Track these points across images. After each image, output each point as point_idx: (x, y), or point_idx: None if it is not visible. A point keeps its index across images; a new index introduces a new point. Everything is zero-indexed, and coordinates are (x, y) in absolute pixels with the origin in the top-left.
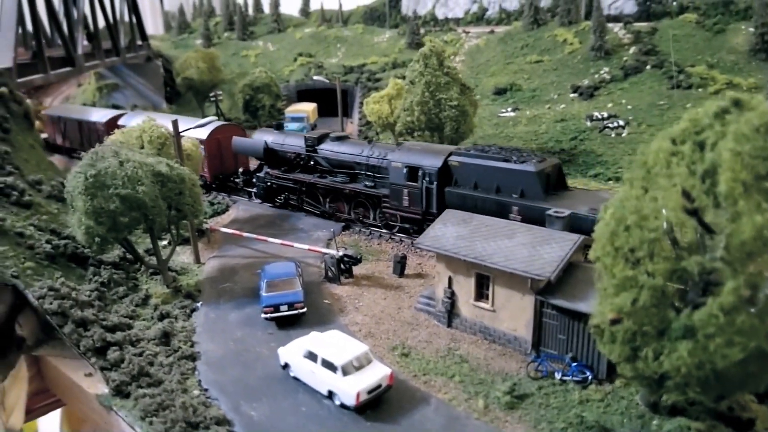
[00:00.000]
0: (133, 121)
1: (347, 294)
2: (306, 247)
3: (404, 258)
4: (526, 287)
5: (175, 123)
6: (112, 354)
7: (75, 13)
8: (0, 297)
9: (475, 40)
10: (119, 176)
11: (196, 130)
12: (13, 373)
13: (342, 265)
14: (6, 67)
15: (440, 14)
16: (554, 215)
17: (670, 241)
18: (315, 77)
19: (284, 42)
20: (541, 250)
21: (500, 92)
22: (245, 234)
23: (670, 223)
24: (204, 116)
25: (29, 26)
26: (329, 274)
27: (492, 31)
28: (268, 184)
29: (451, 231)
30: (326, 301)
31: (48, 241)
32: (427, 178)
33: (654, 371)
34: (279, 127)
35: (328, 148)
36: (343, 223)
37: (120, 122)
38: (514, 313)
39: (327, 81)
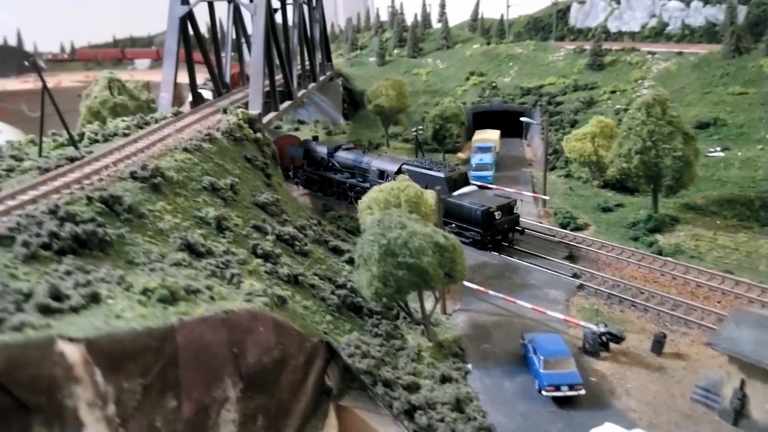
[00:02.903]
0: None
1: (610, 372)
2: (562, 317)
3: (664, 337)
4: None
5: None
6: (420, 418)
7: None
8: (319, 353)
9: (664, 63)
10: (408, 247)
11: None
12: (327, 421)
13: (601, 338)
14: (258, 113)
15: (613, 27)
16: None
17: None
18: (493, 99)
19: (453, 59)
20: None
21: (702, 126)
22: (491, 292)
23: None
24: (387, 137)
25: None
26: (587, 346)
27: (680, 53)
28: (306, 177)
29: (747, 335)
30: (593, 379)
31: (332, 292)
32: (389, 177)
33: None
34: (315, 139)
35: (339, 155)
36: (578, 283)
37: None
38: None
39: (508, 104)
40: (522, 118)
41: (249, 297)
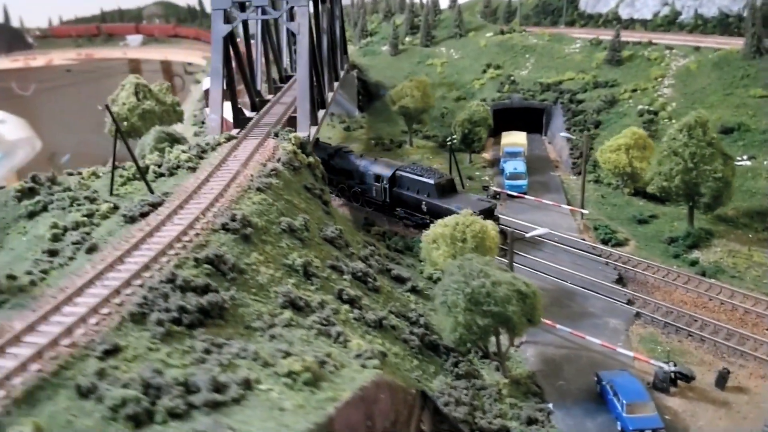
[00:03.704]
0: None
1: (681, 409)
2: (632, 354)
3: (728, 373)
4: None
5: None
6: None
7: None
8: (416, 402)
9: (682, 59)
10: (493, 297)
11: None
12: None
13: (671, 376)
14: (307, 135)
15: (625, 14)
16: None
17: None
18: (514, 96)
19: (467, 49)
20: None
21: (727, 131)
22: (558, 326)
23: None
24: (411, 136)
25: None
26: (657, 383)
27: (698, 48)
28: None
29: None
30: (667, 417)
31: (411, 332)
32: (384, 181)
33: None
34: (317, 142)
35: (337, 160)
36: (635, 311)
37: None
38: None
39: (529, 100)
40: (562, 134)
41: (362, 362)
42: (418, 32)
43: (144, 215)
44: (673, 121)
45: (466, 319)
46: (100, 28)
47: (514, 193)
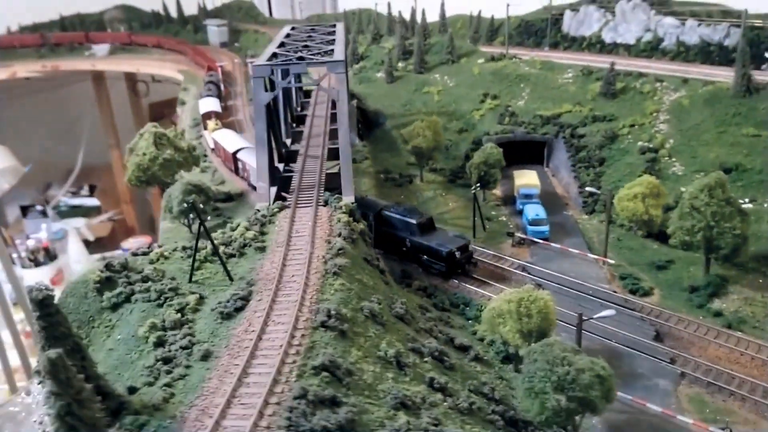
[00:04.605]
0: None
1: None
2: (691, 422)
3: None
4: None
5: None
6: None
7: None
8: None
9: (674, 93)
10: (578, 383)
11: None
12: None
13: None
14: (353, 202)
15: (608, 38)
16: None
17: None
18: (517, 131)
19: (461, 76)
20: None
21: (726, 171)
22: (619, 393)
23: None
24: (422, 173)
25: None
26: None
27: (686, 81)
28: None
29: None
30: None
31: (492, 411)
32: (370, 217)
33: None
34: None
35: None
36: (679, 371)
37: None
38: None
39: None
40: (590, 187)
41: None
42: (410, 57)
43: (238, 310)
44: (674, 159)
45: (552, 404)
46: (46, 37)
47: (538, 240)
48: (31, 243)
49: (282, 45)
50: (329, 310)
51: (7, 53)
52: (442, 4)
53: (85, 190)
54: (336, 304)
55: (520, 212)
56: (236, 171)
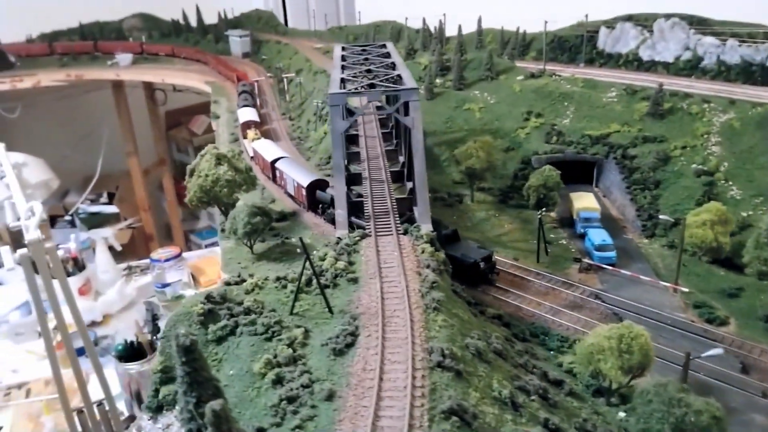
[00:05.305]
0: None
1: None
2: None
3: None
4: None
5: None
6: None
7: None
8: None
9: (723, 115)
10: (696, 424)
11: (301, 175)
12: None
13: None
14: (432, 231)
15: (645, 56)
16: None
17: None
18: (567, 151)
19: (501, 93)
20: None
21: None
22: None
23: None
24: (473, 193)
25: None
26: None
27: (733, 102)
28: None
29: None
30: None
31: None
32: None
33: None
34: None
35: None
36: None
37: None
38: None
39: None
40: (662, 216)
41: None
42: (447, 73)
43: (349, 346)
44: (730, 183)
45: None
46: (53, 48)
47: (605, 265)
48: (60, 253)
49: (343, 68)
50: (443, 350)
51: (31, 62)
52: (479, 20)
53: (104, 198)
54: (445, 342)
55: (581, 236)
56: (273, 179)
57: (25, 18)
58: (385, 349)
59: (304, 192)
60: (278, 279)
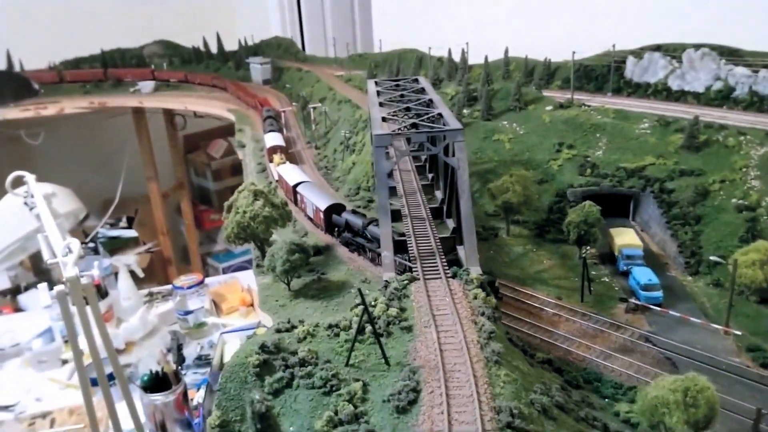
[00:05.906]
0: None
1: None
2: None
3: None
4: None
5: None
6: None
7: None
8: None
9: (760, 148)
10: None
11: (319, 199)
12: None
13: None
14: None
15: (674, 85)
16: None
17: None
18: (603, 184)
19: (531, 124)
20: None
21: None
22: None
23: None
24: (508, 227)
25: None
26: None
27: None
28: (345, 240)
29: None
30: None
31: None
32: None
33: None
34: (353, 212)
35: (370, 228)
36: None
37: None
38: None
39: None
40: (713, 258)
41: None
42: (474, 103)
43: (411, 403)
44: None
45: None
46: (62, 75)
47: (652, 306)
48: (84, 281)
49: (381, 105)
50: (511, 409)
51: (55, 90)
52: (506, 50)
53: (124, 222)
54: (511, 399)
55: (623, 273)
56: (295, 202)
57: (49, 45)
58: (451, 407)
59: (321, 215)
60: (330, 327)
